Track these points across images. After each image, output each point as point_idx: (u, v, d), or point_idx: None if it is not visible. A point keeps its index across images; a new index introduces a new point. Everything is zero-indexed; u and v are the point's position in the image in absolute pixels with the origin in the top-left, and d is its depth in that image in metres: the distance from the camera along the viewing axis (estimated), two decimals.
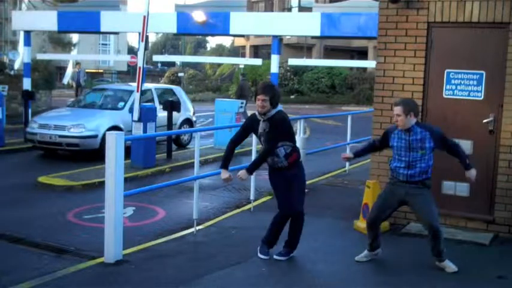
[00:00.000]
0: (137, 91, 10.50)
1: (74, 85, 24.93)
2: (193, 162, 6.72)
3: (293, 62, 18.62)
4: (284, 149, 5.32)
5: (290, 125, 5.51)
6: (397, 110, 5.12)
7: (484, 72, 6.28)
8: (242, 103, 13.94)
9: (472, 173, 5.26)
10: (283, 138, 5.33)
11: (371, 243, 5.45)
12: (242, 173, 5.39)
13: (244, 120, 5.87)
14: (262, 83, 5.55)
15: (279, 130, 5.31)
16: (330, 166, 10.75)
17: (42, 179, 9.31)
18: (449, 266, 5.21)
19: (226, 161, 5.49)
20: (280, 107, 5.53)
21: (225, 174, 5.41)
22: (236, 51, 48.84)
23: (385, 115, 6.68)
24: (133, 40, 69.60)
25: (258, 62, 18.98)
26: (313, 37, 18.87)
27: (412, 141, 5.12)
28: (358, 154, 5.70)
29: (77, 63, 24.83)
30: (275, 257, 5.53)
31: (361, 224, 6.49)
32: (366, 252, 5.51)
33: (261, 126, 5.38)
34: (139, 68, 10.46)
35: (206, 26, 15.45)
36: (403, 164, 5.17)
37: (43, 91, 21.45)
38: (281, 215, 5.54)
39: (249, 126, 5.53)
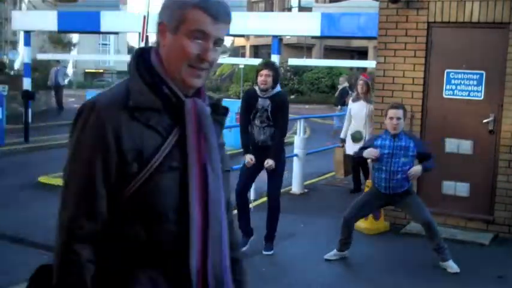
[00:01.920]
0: None
1: (52, 86, 21.47)
2: None
3: (293, 62, 18.65)
4: (270, 129, 5.41)
5: (287, 110, 5.57)
6: (399, 113, 5.10)
7: (484, 72, 6.29)
8: None
9: (416, 168, 5.13)
10: (278, 120, 5.40)
11: (344, 241, 5.37)
12: (271, 162, 5.39)
13: None
14: (264, 60, 5.64)
15: (285, 111, 5.42)
16: (330, 166, 10.72)
17: (42, 179, 9.30)
18: (451, 267, 5.20)
19: (247, 147, 5.56)
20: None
21: (248, 157, 5.50)
22: (236, 51, 48.85)
23: (385, 115, 6.67)
24: (133, 40, 69.63)
25: (258, 62, 19.00)
26: (313, 37, 18.88)
27: (396, 148, 5.12)
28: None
29: (57, 61, 22.87)
30: (264, 252, 5.60)
31: (362, 224, 6.50)
32: (334, 251, 5.45)
33: (260, 103, 5.41)
34: None
35: None
36: (384, 174, 5.15)
37: (43, 91, 21.44)
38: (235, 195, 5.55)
39: (248, 102, 5.54)
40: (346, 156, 8.41)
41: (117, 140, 1.46)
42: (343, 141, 8.47)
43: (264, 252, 5.59)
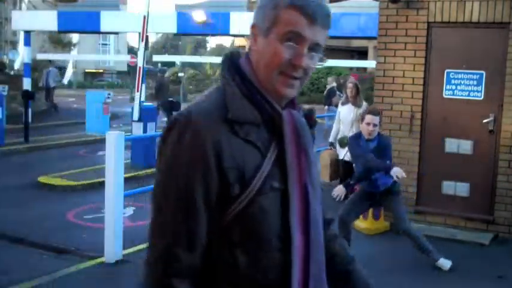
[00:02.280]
0: (137, 91, 10.50)
1: (43, 87, 20.72)
2: None
3: None
4: None
5: None
6: (375, 120, 5.09)
7: (484, 72, 6.29)
8: None
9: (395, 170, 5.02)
10: None
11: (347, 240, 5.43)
12: None
13: None
14: None
15: None
16: None
17: (42, 179, 9.31)
18: (443, 265, 5.22)
19: None
20: None
21: None
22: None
23: (385, 115, 6.67)
24: (133, 40, 69.64)
25: None
26: None
27: (375, 149, 5.12)
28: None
29: (49, 61, 22.05)
30: None
31: (361, 224, 6.50)
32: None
33: None
34: (139, 68, 10.46)
35: (206, 26, 15.47)
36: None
37: (43, 91, 21.44)
38: None
39: None
40: (339, 161, 8.07)
41: (217, 157, 1.28)
42: (332, 144, 8.28)
43: None
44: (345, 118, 7.95)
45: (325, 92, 17.40)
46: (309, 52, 1.38)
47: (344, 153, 7.50)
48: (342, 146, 7.76)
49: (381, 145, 5.18)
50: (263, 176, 1.32)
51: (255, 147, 1.33)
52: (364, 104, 7.92)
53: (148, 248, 1.34)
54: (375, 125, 5.11)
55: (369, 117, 5.11)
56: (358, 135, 5.33)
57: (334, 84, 16.96)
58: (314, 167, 1.44)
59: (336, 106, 10.66)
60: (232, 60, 1.44)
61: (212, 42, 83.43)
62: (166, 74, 42.16)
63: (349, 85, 8.01)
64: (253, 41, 1.41)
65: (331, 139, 8.38)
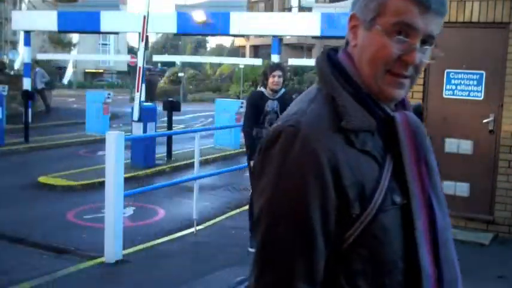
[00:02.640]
0: (137, 91, 10.50)
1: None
2: (193, 162, 6.72)
3: (293, 62, 18.64)
4: None
5: None
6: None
7: (484, 72, 6.29)
8: (242, 103, 13.93)
9: None
10: None
11: None
12: None
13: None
14: (273, 62, 5.70)
15: None
16: None
17: (42, 179, 9.31)
18: None
19: (254, 152, 5.52)
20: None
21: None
22: (236, 51, 48.84)
23: None
24: (133, 40, 69.61)
25: (258, 62, 19.02)
26: (313, 37, 18.87)
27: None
28: None
29: (35, 62, 21.35)
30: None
31: None
32: None
33: (269, 105, 5.46)
34: (139, 68, 10.46)
35: (206, 26, 15.46)
36: None
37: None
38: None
39: (256, 105, 5.52)
40: None
41: (334, 172, 1.10)
42: None
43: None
44: None
45: None
46: (422, 46, 1.18)
47: None
48: None
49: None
50: (383, 190, 1.15)
51: (372, 157, 1.16)
52: None
53: (256, 282, 1.14)
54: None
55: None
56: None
57: None
58: (437, 175, 1.29)
59: None
60: (330, 57, 1.24)
61: (212, 42, 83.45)
62: (167, 74, 42.20)
63: None
64: (352, 35, 1.22)
65: None
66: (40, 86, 19.95)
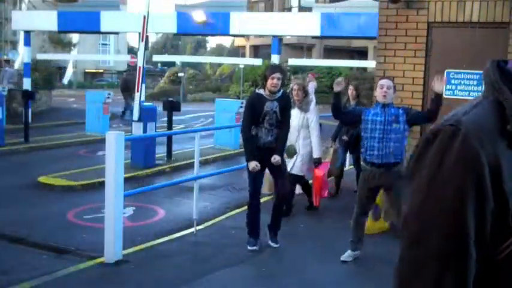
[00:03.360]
0: (137, 91, 10.50)
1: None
2: (193, 162, 6.72)
3: (293, 62, 18.63)
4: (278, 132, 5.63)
5: (288, 111, 5.86)
6: (389, 82, 5.23)
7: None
8: (242, 103, 13.92)
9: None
10: (285, 120, 5.68)
11: (357, 240, 5.47)
12: (277, 158, 5.59)
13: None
14: (271, 64, 5.80)
15: (290, 110, 5.74)
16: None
17: (42, 179, 9.31)
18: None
19: (253, 151, 5.66)
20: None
21: (253, 164, 5.59)
22: (236, 51, 48.84)
23: None
24: (133, 40, 69.61)
25: (258, 62, 19.02)
26: (313, 37, 18.88)
27: (387, 115, 5.17)
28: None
29: (5, 61, 20.54)
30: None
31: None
32: (349, 251, 5.51)
33: (268, 105, 5.55)
34: (139, 68, 10.46)
35: (206, 26, 15.46)
36: (377, 142, 5.14)
37: (43, 91, 21.44)
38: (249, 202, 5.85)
39: (255, 107, 5.63)
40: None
41: (495, 175, 1.02)
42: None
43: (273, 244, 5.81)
44: (291, 124, 6.41)
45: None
46: None
47: (292, 165, 6.80)
48: (289, 155, 6.81)
49: None
50: None
51: None
52: (312, 106, 7.07)
53: None
54: (388, 88, 5.20)
55: (381, 82, 5.28)
56: (375, 104, 5.38)
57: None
58: None
59: None
60: (500, 66, 1.20)
61: (212, 42, 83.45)
62: (167, 74, 42.19)
63: (295, 87, 6.93)
64: None
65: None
66: (7, 86, 19.01)
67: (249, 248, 5.70)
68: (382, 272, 5.30)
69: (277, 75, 5.49)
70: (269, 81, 5.50)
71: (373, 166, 5.20)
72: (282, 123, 5.66)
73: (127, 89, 18.92)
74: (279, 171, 5.73)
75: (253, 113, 5.61)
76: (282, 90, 5.69)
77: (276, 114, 5.56)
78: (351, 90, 8.07)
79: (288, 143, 6.59)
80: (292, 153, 6.85)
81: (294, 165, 6.83)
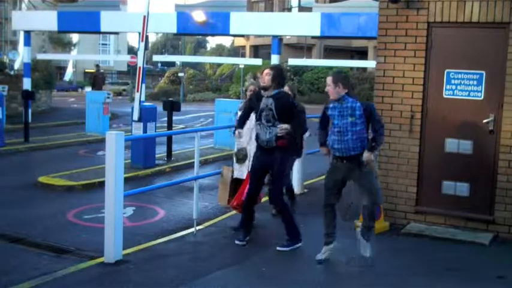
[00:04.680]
0: (137, 91, 10.50)
1: None
2: (193, 162, 6.72)
3: (293, 62, 18.62)
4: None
5: (294, 109, 5.77)
6: (328, 79, 5.36)
7: (484, 72, 6.28)
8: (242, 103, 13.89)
9: (365, 155, 5.23)
10: (285, 119, 5.61)
11: (327, 233, 5.49)
12: (284, 126, 5.58)
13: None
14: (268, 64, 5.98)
15: (293, 110, 5.68)
16: None
17: (42, 179, 9.31)
18: (367, 248, 5.41)
19: (240, 124, 6.00)
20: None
21: (239, 134, 5.96)
22: (236, 51, 48.84)
23: (385, 115, 6.67)
24: (133, 40, 69.62)
25: (258, 62, 18.98)
26: (313, 37, 18.87)
27: (343, 109, 5.26)
28: (324, 139, 5.64)
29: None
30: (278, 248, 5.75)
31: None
32: (323, 248, 5.49)
33: (264, 102, 5.67)
34: (139, 68, 10.46)
35: (206, 26, 15.46)
36: (336, 135, 5.28)
37: (43, 91, 21.45)
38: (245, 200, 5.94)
39: (253, 100, 5.83)
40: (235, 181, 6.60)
41: None
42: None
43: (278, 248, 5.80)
44: (245, 126, 6.20)
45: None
46: None
47: (238, 171, 6.53)
48: (238, 160, 6.48)
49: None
50: None
51: None
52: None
53: None
54: (328, 85, 5.32)
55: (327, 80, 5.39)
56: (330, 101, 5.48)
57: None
58: None
59: None
60: None
61: (212, 42, 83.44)
62: (166, 74, 42.17)
63: (251, 87, 6.83)
64: None
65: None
66: None
67: (237, 242, 5.86)
68: (382, 271, 5.30)
69: (266, 71, 5.66)
70: (260, 78, 5.73)
71: (335, 159, 5.39)
72: (290, 120, 5.64)
73: (94, 84, 21.38)
74: (275, 174, 5.75)
75: (250, 105, 5.85)
76: (280, 89, 5.75)
77: (272, 111, 5.62)
78: (249, 91, 6.77)
79: (240, 146, 6.55)
80: (241, 158, 6.40)
81: (241, 172, 6.50)
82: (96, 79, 21.69)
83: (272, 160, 5.68)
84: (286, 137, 5.62)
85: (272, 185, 5.80)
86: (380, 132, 5.23)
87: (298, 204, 7.45)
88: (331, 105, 5.43)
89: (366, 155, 5.20)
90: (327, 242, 5.50)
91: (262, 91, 5.74)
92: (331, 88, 5.32)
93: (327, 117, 5.55)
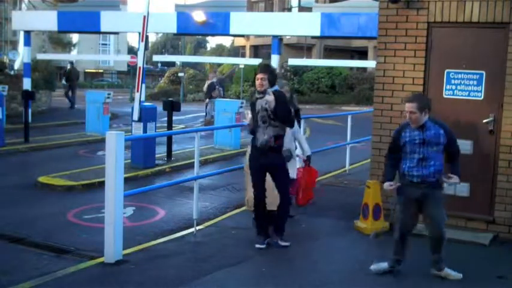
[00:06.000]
0: (137, 91, 10.50)
1: None
2: (193, 162, 6.72)
3: (293, 62, 18.63)
4: (274, 130, 5.67)
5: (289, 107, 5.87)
6: (411, 107, 4.83)
7: (484, 72, 6.28)
8: (242, 103, 13.91)
9: (456, 180, 4.95)
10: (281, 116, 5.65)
11: (397, 258, 5.18)
12: (271, 98, 5.63)
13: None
14: (260, 64, 5.94)
15: (285, 105, 5.69)
16: (330, 166, 10.74)
17: (42, 179, 9.31)
18: (451, 274, 5.09)
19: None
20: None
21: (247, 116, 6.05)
22: (236, 51, 48.82)
23: (385, 115, 6.68)
24: (133, 40, 69.61)
25: (258, 62, 18.98)
26: (313, 37, 18.88)
27: (426, 137, 4.87)
28: (392, 175, 5.16)
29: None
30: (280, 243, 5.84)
31: (361, 224, 6.50)
32: (385, 264, 5.21)
33: (259, 103, 5.72)
34: (139, 68, 10.45)
35: (206, 26, 15.45)
36: (416, 162, 4.89)
37: (43, 91, 21.42)
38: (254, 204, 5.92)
39: (251, 104, 5.87)
40: None
41: None
42: None
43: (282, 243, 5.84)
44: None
45: (205, 87, 18.21)
46: None
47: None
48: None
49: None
50: None
51: None
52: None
53: None
54: (412, 113, 4.83)
55: (406, 106, 4.90)
56: (405, 125, 5.04)
57: (215, 79, 17.91)
58: None
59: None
60: None
61: (212, 42, 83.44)
62: (166, 74, 42.13)
63: (285, 88, 6.88)
64: None
65: None
66: None
67: (258, 246, 5.80)
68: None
69: (260, 75, 5.67)
70: (256, 82, 5.74)
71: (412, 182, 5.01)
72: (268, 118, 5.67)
73: (68, 79, 22.99)
74: (279, 177, 5.77)
75: (252, 110, 5.86)
76: (275, 88, 5.79)
77: (266, 111, 5.65)
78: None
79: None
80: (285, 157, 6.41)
81: (296, 167, 6.82)
82: (70, 75, 23.39)
83: (271, 160, 5.69)
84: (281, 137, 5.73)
85: (280, 192, 5.78)
86: (459, 151, 4.99)
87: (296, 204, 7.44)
88: (408, 132, 4.93)
89: (457, 180, 4.94)
90: (395, 266, 5.18)
91: (257, 93, 5.77)
92: (416, 116, 4.82)
93: (398, 146, 5.02)
